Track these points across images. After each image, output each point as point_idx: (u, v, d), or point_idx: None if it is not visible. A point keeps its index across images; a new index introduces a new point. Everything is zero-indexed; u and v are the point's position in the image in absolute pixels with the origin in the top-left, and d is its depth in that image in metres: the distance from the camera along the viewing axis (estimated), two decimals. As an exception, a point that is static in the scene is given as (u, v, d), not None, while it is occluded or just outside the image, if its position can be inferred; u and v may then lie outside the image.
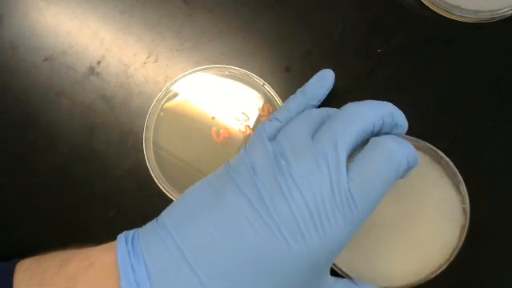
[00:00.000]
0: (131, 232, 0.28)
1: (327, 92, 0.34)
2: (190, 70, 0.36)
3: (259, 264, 0.26)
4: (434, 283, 0.35)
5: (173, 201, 0.34)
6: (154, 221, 0.28)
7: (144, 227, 0.29)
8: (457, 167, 0.35)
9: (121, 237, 0.28)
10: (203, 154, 0.36)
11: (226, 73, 0.37)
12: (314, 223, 0.26)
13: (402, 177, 0.29)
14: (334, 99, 0.36)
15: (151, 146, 0.36)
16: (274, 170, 0.26)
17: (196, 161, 0.36)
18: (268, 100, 0.36)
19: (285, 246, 0.25)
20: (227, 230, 0.26)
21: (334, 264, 0.33)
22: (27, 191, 0.37)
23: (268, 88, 0.36)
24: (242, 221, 0.26)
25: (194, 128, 0.36)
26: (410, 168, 0.29)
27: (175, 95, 0.37)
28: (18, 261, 0.29)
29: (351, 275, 0.33)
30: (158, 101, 0.36)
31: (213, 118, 0.36)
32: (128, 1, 0.38)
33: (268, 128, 0.30)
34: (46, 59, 0.38)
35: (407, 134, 0.35)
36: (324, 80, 0.34)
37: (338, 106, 0.36)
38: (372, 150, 0.27)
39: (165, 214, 0.28)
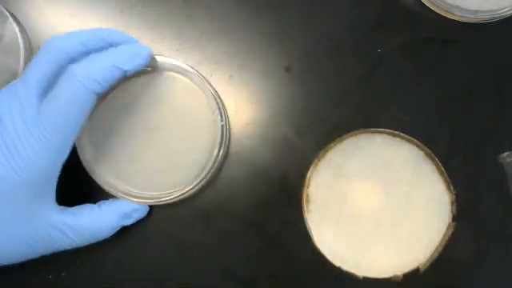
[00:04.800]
0: None
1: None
2: None
3: None
4: (433, 281, 0.35)
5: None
6: None
7: None
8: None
9: None
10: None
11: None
12: (9, 150, 0.28)
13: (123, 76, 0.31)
14: (334, 99, 0.36)
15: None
16: None
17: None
18: None
19: None
20: None
21: (318, 250, 0.34)
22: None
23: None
24: None
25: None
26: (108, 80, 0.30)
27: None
28: None
29: (335, 263, 0.34)
30: None
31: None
32: (128, 0, 0.38)
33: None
34: (46, 59, 0.38)
35: (406, 131, 0.35)
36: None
37: (337, 108, 0.37)
38: (59, 78, 0.30)
39: None
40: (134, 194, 0.35)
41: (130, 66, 0.31)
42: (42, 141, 0.29)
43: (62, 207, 0.32)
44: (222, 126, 0.35)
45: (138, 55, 0.31)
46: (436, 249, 0.34)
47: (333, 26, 0.37)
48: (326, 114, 0.36)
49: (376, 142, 0.35)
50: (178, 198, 0.35)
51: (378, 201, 0.35)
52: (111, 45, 0.31)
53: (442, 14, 0.37)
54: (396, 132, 0.35)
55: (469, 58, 0.37)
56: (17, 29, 0.36)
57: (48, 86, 0.30)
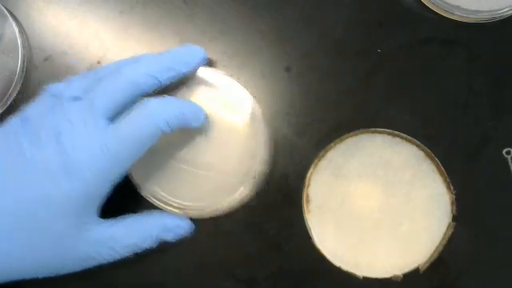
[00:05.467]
0: None
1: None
2: None
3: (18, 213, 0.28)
4: (433, 281, 0.35)
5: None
6: None
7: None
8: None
9: None
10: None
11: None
12: (66, 169, 0.28)
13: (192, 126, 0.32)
14: (334, 99, 0.37)
15: None
16: (49, 117, 0.30)
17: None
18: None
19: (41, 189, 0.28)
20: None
21: (318, 250, 0.34)
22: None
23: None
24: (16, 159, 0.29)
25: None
26: (178, 124, 0.31)
27: None
28: None
29: (335, 263, 0.34)
30: None
31: None
32: (128, 1, 0.38)
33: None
34: (46, 59, 0.38)
35: (406, 131, 0.35)
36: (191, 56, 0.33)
37: (337, 108, 0.37)
38: (132, 110, 0.30)
39: None
40: (175, 205, 0.35)
41: (195, 124, 0.32)
42: (100, 162, 0.29)
43: (105, 220, 0.32)
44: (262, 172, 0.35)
45: (200, 117, 0.33)
46: (436, 249, 0.34)
47: (333, 26, 0.37)
48: (325, 114, 0.36)
49: (376, 141, 0.35)
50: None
51: (377, 201, 0.35)
52: (183, 73, 0.33)
53: (442, 13, 0.37)
54: (396, 132, 0.35)
55: (469, 58, 0.37)
56: (16, 29, 0.36)
57: (114, 112, 0.30)
